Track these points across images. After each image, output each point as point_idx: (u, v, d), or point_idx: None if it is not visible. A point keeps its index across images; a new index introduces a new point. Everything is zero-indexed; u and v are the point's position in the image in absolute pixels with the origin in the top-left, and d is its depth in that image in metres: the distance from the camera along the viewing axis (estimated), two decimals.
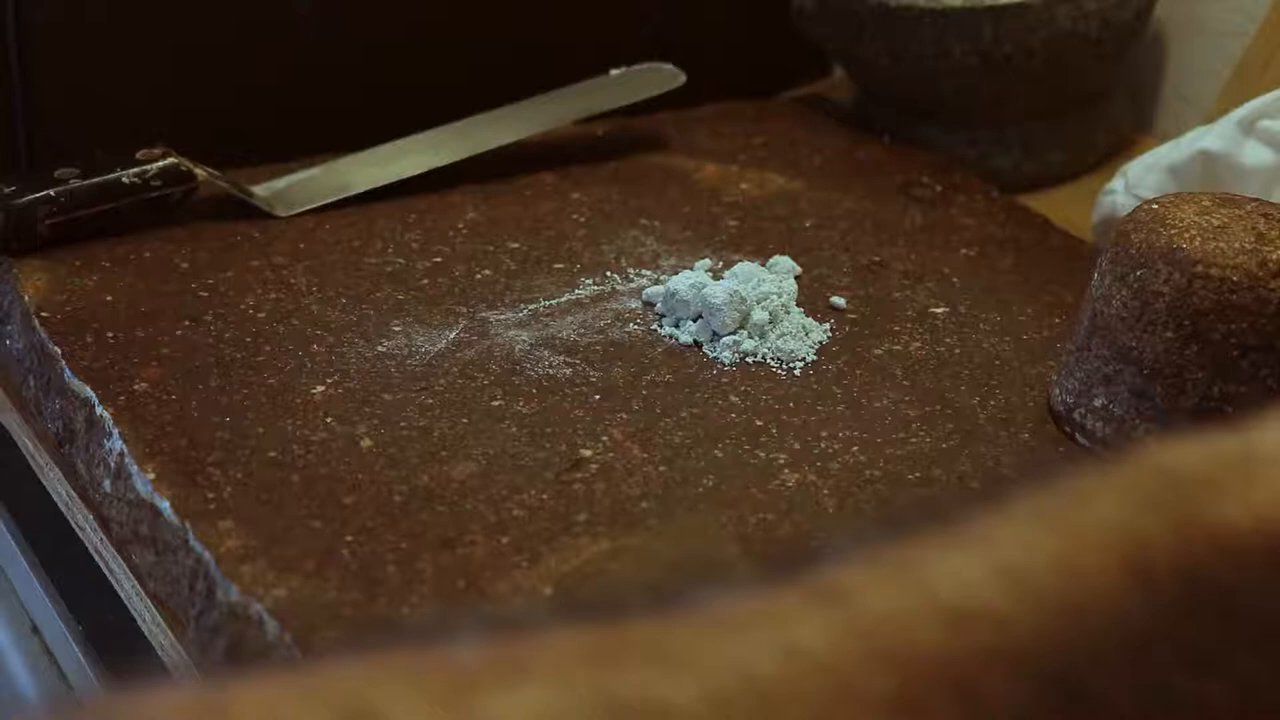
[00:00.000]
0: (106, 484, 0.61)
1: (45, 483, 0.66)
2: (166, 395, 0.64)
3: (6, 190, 0.74)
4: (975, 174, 0.87)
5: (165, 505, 0.58)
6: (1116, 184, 0.79)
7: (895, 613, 0.31)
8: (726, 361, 0.68)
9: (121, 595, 0.61)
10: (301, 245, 0.76)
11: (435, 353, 0.68)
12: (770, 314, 0.69)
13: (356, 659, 0.30)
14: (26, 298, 0.70)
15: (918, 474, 0.61)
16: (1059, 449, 0.64)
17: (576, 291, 0.73)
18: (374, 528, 0.57)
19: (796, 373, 0.68)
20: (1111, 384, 0.62)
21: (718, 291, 0.69)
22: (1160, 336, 0.60)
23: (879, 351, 0.70)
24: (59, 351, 0.67)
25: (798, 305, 0.71)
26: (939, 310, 0.73)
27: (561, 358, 0.68)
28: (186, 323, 0.69)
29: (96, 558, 0.62)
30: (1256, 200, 0.63)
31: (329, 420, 0.63)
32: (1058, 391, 0.65)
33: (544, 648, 0.30)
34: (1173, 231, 0.61)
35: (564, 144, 0.87)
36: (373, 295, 0.72)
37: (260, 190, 0.79)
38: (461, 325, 0.70)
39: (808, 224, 0.81)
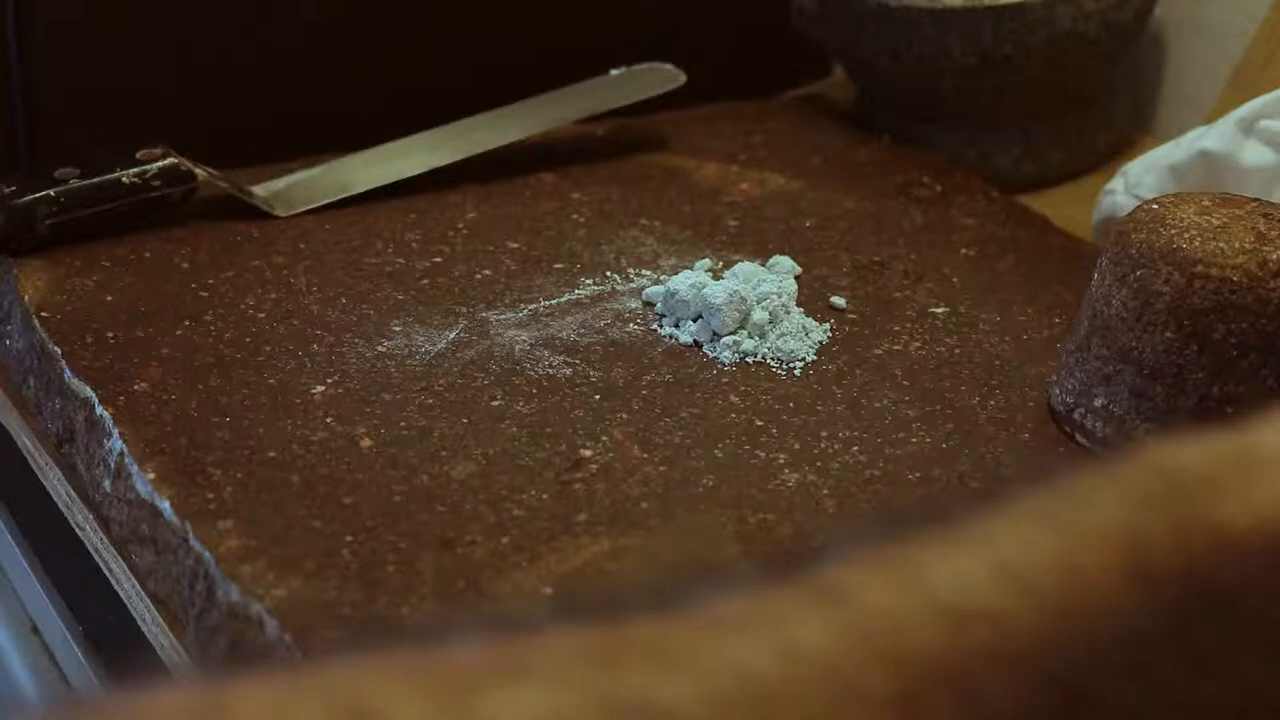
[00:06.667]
0: (106, 484, 0.61)
1: (45, 483, 0.66)
2: (166, 395, 0.64)
3: (6, 190, 0.74)
4: (975, 174, 0.87)
5: (165, 505, 0.58)
6: (1116, 184, 0.79)
7: (895, 613, 0.31)
8: (726, 361, 0.68)
9: (121, 595, 0.60)
10: (301, 245, 0.76)
11: (435, 353, 0.68)
12: (770, 314, 0.69)
13: (356, 659, 0.30)
14: (26, 298, 0.70)
15: (918, 474, 0.61)
16: (1059, 449, 0.63)
17: (576, 291, 0.73)
18: (374, 528, 0.57)
19: (796, 373, 0.68)
20: (1111, 384, 0.62)
21: (718, 291, 0.69)
22: (1160, 336, 0.60)
23: (879, 351, 0.70)
24: (59, 351, 0.67)
25: (798, 305, 0.71)
26: (939, 310, 0.73)
27: (561, 358, 0.68)
28: (186, 323, 0.69)
29: (96, 558, 0.62)
30: (1256, 200, 0.63)
31: (329, 420, 0.63)
32: (1058, 391, 0.65)
33: (544, 648, 0.30)
34: (1173, 231, 0.61)
35: (564, 144, 0.87)
36: (373, 295, 0.72)
37: (260, 190, 0.79)
38: (461, 325, 0.70)
39: (808, 224, 0.81)
